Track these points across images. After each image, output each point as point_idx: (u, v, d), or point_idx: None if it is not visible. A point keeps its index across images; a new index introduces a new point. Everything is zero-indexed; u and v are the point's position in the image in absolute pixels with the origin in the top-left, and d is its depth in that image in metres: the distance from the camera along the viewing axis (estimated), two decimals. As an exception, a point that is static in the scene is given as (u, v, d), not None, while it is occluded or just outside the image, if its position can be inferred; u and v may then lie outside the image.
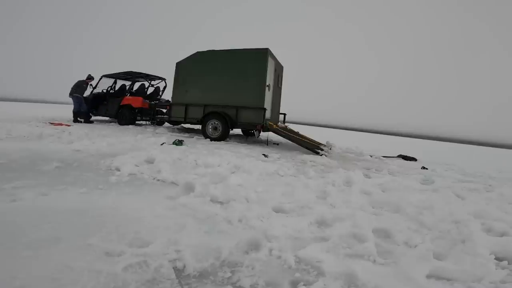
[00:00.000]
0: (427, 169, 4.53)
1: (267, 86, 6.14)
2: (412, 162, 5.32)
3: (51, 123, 6.77)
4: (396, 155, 5.88)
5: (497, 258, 1.43)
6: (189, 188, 2.23)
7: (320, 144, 5.64)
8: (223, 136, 6.18)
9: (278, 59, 6.97)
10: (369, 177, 3.34)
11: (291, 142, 6.05)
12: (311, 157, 4.50)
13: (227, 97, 6.33)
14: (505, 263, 1.40)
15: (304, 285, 1.12)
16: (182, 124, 8.26)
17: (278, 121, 7.54)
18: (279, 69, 7.20)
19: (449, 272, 1.27)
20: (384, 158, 5.43)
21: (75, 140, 4.37)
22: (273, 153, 4.68)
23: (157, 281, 1.08)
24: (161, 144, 4.61)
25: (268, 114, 6.38)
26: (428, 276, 1.24)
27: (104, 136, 5.26)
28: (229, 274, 1.16)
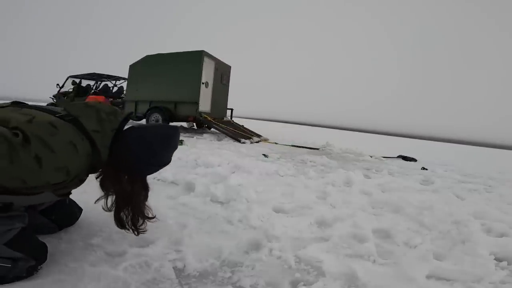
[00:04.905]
0: (427, 169, 4.53)
1: (203, 83, 7.11)
2: (412, 163, 5.33)
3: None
4: (396, 156, 5.89)
5: (496, 259, 1.43)
6: (189, 187, 2.23)
7: (254, 135, 6.71)
8: None
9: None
10: (369, 177, 3.34)
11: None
12: (311, 157, 4.51)
13: (169, 93, 7.29)
14: (504, 263, 1.40)
15: (304, 285, 1.12)
16: (182, 125, 8.54)
17: (224, 116, 8.56)
18: (222, 68, 8.11)
19: (449, 273, 1.28)
20: (384, 158, 5.43)
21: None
22: (273, 153, 4.68)
23: (157, 281, 1.08)
24: (161, 144, 4.61)
25: (206, 108, 7.40)
26: (428, 277, 1.25)
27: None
28: (229, 274, 1.16)
